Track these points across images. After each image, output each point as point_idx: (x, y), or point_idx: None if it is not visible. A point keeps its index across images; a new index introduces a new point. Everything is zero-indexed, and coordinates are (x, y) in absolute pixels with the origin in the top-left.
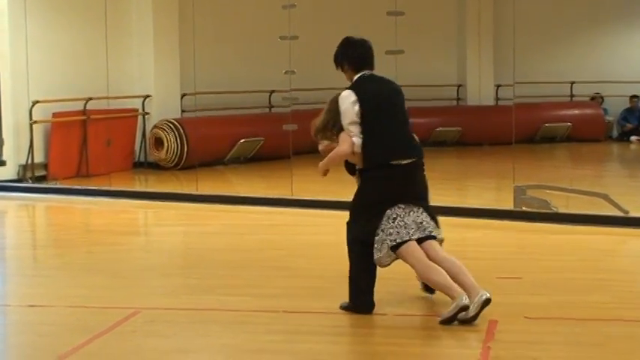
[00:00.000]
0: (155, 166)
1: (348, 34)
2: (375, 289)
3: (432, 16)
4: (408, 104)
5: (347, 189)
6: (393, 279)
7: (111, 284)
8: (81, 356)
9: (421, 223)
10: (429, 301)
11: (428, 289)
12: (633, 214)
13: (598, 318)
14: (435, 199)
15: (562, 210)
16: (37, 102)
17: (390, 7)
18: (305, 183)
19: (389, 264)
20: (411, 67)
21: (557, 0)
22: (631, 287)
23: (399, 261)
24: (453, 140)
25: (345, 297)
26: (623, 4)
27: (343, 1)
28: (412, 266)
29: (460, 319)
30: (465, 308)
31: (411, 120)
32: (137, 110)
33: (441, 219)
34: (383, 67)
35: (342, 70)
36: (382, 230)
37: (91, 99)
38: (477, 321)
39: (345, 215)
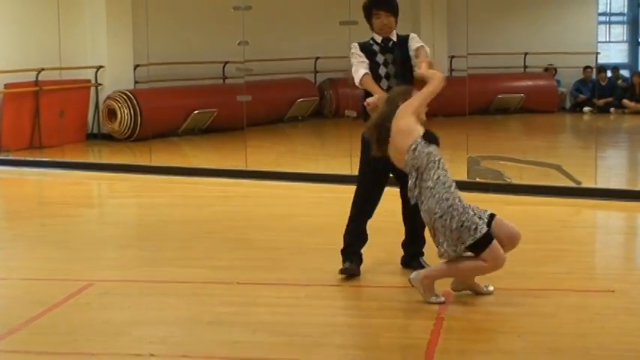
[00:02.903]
0: (108, 138)
1: (301, 4)
2: (334, 259)
3: None
4: None
5: (301, 160)
6: None
7: (64, 256)
8: (34, 329)
9: None
10: (384, 274)
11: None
12: (586, 184)
13: (552, 288)
14: None
15: (515, 181)
16: None
17: None
18: (259, 155)
19: None
20: (365, 38)
21: None
22: (584, 258)
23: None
24: None
25: (298, 268)
26: None
27: None
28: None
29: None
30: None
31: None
32: (90, 81)
33: (394, 190)
34: (337, 38)
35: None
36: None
37: (43, 70)
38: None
39: (301, 187)
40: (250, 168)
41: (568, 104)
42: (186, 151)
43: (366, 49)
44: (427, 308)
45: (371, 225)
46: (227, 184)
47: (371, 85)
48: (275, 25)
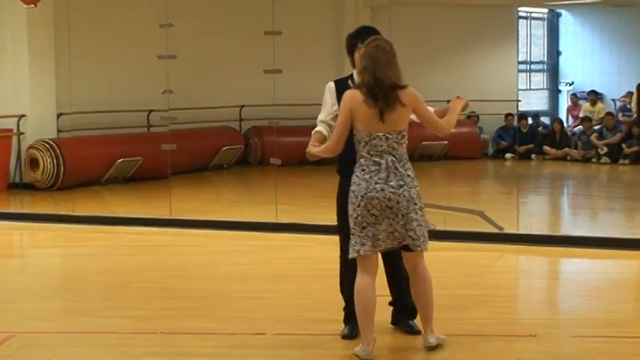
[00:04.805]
0: (31, 187)
1: (225, 53)
2: (259, 308)
3: (310, 36)
4: (285, 123)
5: (226, 208)
6: (273, 298)
7: None
8: None
9: None
10: (309, 321)
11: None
12: (508, 230)
13: (474, 334)
14: (316, 219)
15: (439, 227)
16: None
17: (267, 27)
18: (184, 203)
19: None
20: (289, 87)
21: (431, 22)
22: (506, 302)
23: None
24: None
25: (223, 317)
26: (481, 26)
27: (221, 20)
28: None
29: None
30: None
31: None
32: (12, 130)
33: (323, 238)
34: (261, 86)
35: None
36: None
37: None
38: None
39: (226, 235)
40: (175, 216)
41: (490, 151)
42: (110, 200)
43: (342, 90)
44: (352, 356)
45: (297, 272)
46: (152, 232)
47: (311, 140)
48: (200, 74)
